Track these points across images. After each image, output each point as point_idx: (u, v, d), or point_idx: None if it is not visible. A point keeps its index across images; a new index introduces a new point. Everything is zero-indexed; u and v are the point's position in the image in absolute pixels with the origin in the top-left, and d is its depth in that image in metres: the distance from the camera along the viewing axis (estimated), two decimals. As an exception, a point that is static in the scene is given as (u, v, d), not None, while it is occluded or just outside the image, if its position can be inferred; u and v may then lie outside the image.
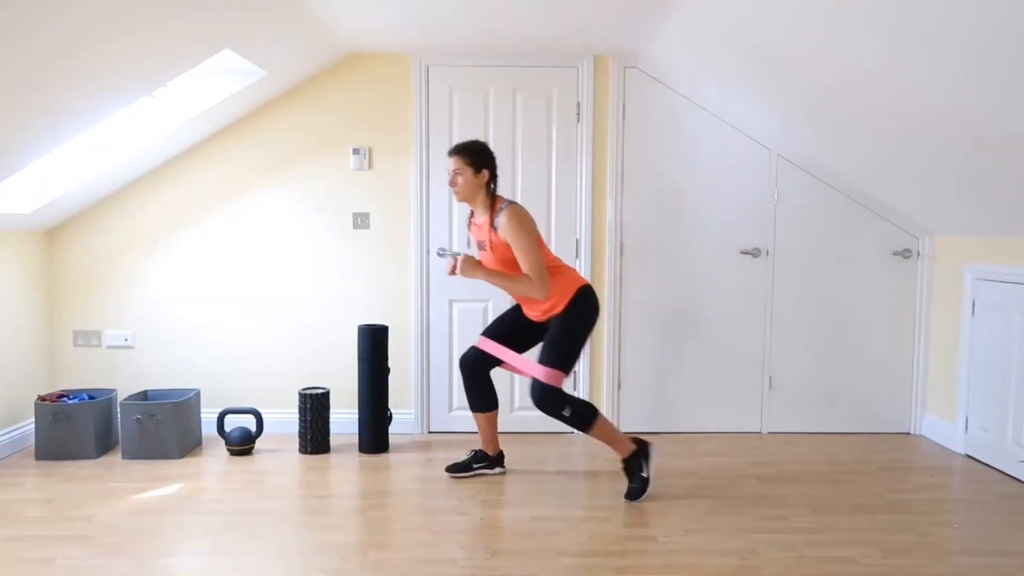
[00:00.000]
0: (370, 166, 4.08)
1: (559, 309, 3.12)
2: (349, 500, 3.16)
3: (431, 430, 4.20)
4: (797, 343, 4.20)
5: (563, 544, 2.72)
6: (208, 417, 4.10)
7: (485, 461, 3.47)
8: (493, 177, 3.17)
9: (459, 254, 3.09)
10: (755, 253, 4.16)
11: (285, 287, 4.13)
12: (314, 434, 3.81)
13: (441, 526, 2.87)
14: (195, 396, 3.89)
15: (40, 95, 2.71)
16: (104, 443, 3.78)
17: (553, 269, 3.13)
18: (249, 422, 4.09)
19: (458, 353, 4.16)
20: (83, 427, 3.65)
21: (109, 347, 4.12)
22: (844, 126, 3.41)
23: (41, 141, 3.04)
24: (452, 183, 3.16)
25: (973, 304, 3.77)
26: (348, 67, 4.04)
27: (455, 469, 3.45)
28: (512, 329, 3.32)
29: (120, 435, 3.73)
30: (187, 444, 3.79)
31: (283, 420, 4.13)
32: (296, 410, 4.11)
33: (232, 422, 4.08)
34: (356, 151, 4.06)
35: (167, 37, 2.82)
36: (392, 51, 4.00)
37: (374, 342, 3.80)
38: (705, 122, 4.11)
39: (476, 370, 3.34)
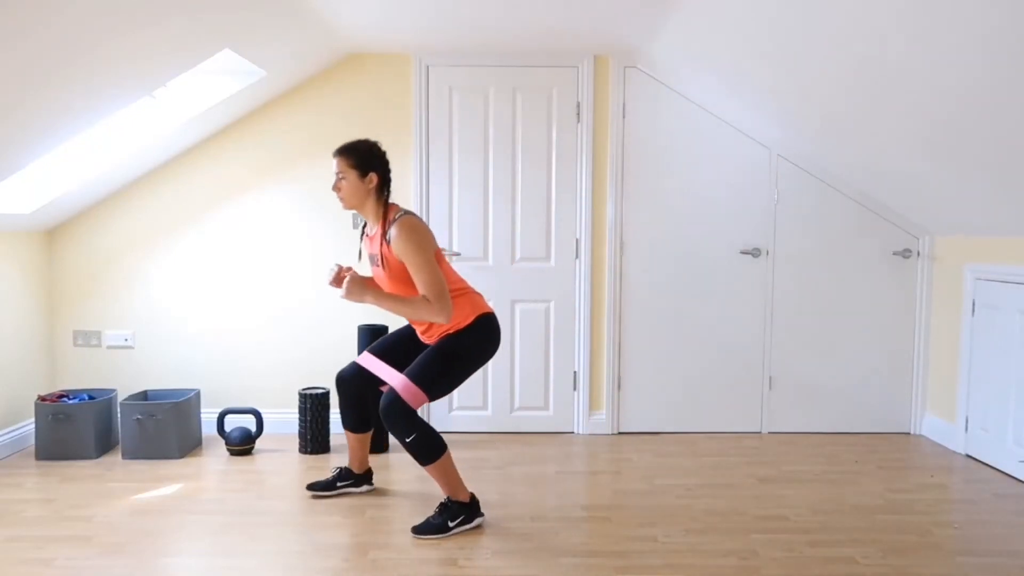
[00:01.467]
0: (370, 166, 4.08)
1: (451, 332, 2.79)
2: (349, 500, 3.16)
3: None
4: (797, 343, 4.20)
5: (563, 544, 2.72)
6: (208, 417, 4.10)
7: (351, 479, 3.20)
8: (385, 182, 2.82)
9: (347, 268, 2.80)
10: (755, 253, 4.16)
11: (285, 287, 4.13)
12: (314, 434, 3.81)
13: (441, 526, 2.87)
14: (195, 396, 3.89)
15: (40, 95, 2.71)
16: (104, 443, 3.78)
17: (456, 291, 2.80)
18: (249, 422, 4.09)
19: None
20: (83, 427, 3.65)
21: (109, 347, 4.12)
22: (844, 126, 3.41)
23: (41, 141, 3.04)
24: (336, 187, 2.82)
25: (973, 304, 3.77)
26: (348, 67, 4.04)
27: (317, 487, 3.18)
28: (400, 348, 2.99)
29: (120, 435, 3.73)
30: (187, 444, 3.79)
31: (283, 420, 4.13)
32: (296, 410, 4.12)
33: (232, 422, 4.08)
34: (356, 151, 4.05)
35: (167, 37, 2.82)
36: (392, 51, 4.00)
37: (374, 342, 3.80)
38: (705, 122, 4.11)
39: (353, 387, 3.04)
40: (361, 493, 3.25)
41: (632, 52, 3.97)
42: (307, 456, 3.77)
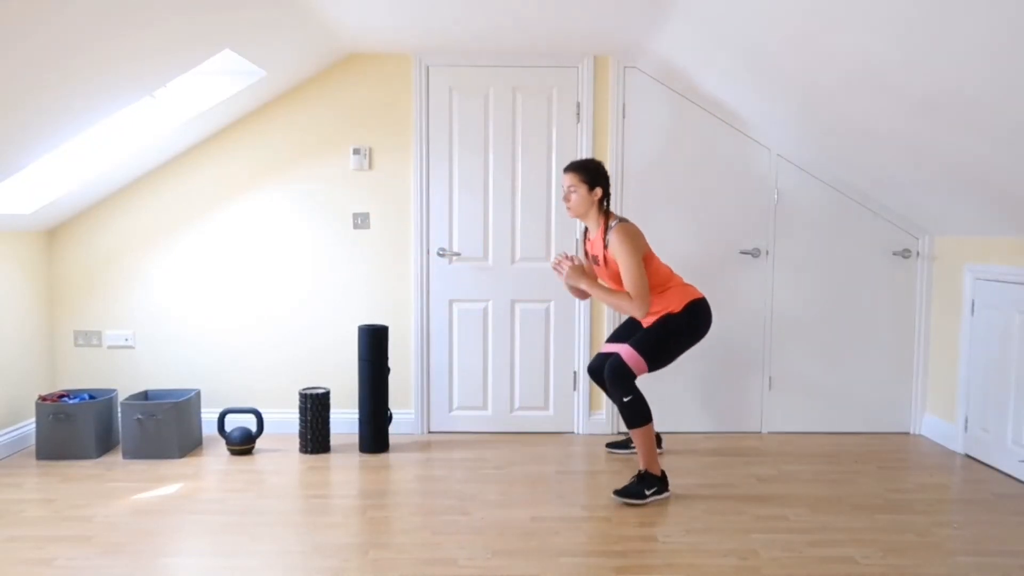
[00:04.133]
0: (370, 166, 4.09)
1: (665, 315, 3.19)
2: (349, 500, 3.16)
3: (431, 430, 4.20)
4: (797, 343, 4.20)
5: (563, 544, 2.72)
6: (208, 417, 4.10)
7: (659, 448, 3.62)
8: (606, 195, 3.25)
9: (574, 257, 3.25)
10: (755, 253, 4.16)
11: (285, 287, 4.13)
12: (314, 434, 3.81)
13: (441, 526, 2.88)
14: (195, 396, 3.90)
15: (40, 95, 2.71)
16: (104, 443, 3.78)
17: (668, 285, 3.22)
18: (249, 422, 4.09)
19: (459, 353, 4.16)
20: (83, 427, 3.65)
21: (109, 347, 4.12)
22: (844, 125, 3.41)
23: (41, 141, 3.05)
24: (566, 199, 3.25)
25: (973, 304, 3.77)
26: (348, 67, 4.04)
27: (615, 445, 3.80)
28: (629, 333, 3.42)
29: (120, 435, 3.73)
30: (187, 444, 3.79)
31: (283, 420, 4.14)
32: (296, 410, 4.12)
33: (232, 422, 4.08)
34: (356, 151, 4.06)
35: (167, 37, 2.82)
36: (392, 51, 4.00)
37: (374, 342, 3.80)
38: (705, 122, 4.11)
39: (602, 374, 3.42)
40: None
41: (632, 52, 3.96)
42: (307, 456, 3.77)
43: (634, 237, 3.13)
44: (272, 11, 3.06)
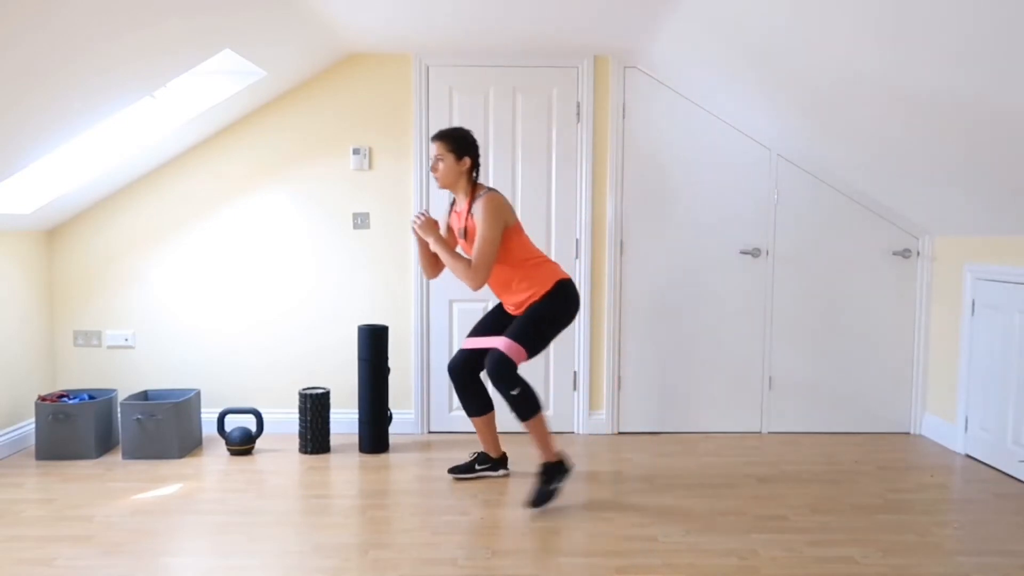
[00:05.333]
0: (370, 166, 4.09)
1: (535, 300, 3.11)
2: (349, 500, 3.16)
3: (431, 430, 4.20)
4: (797, 343, 4.20)
5: (563, 544, 2.72)
6: (208, 417, 4.10)
7: (488, 463, 3.46)
8: (475, 165, 3.16)
9: (426, 212, 3.15)
10: (755, 253, 4.16)
11: (285, 287, 4.13)
12: (314, 434, 3.81)
13: (441, 526, 2.88)
14: (195, 396, 3.89)
15: (40, 95, 2.71)
16: (104, 443, 3.78)
17: (533, 262, 3.13)
18: (249, 422, 4.09)
19: (458, 353, 4.16)
20: (83, 427, 3.65)
21: (109, 347, 4.12)
22: (844, 125, 3.41)
23: (41, 141, 3.04)
24: (433, 168, 3.15)
25: (973, 304, 3.77)
26: (348, 67, 4.04)
27: (457, 471, 3.44)
28: (495, 326, 3.28)
29: (120, 435, 3.73)
30: (187, 444, 3.79)
31: (283, 420, 4.14)
32: (296, 410, 4.12)
33: (232, 422, 4.08)
34: (356, 151, 4.06)
35: (167, 37, 2.82)
36: (392, 51, 4.00)
37: (374, 342, 3.80)
38: (705, 122, 4.11)
39: (464, 374, 3.30)
40: (498, 477, 3.46)
41: (632, 52, 3.97)
42: (307, 456, 3.77)
43: (499, 209, 3.04)
44: (272, 11, 3.06)
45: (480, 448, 3.50)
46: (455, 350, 4.16)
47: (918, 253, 4.18)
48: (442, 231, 3.32)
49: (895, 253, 4.17)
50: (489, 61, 4.04)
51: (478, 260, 3.00)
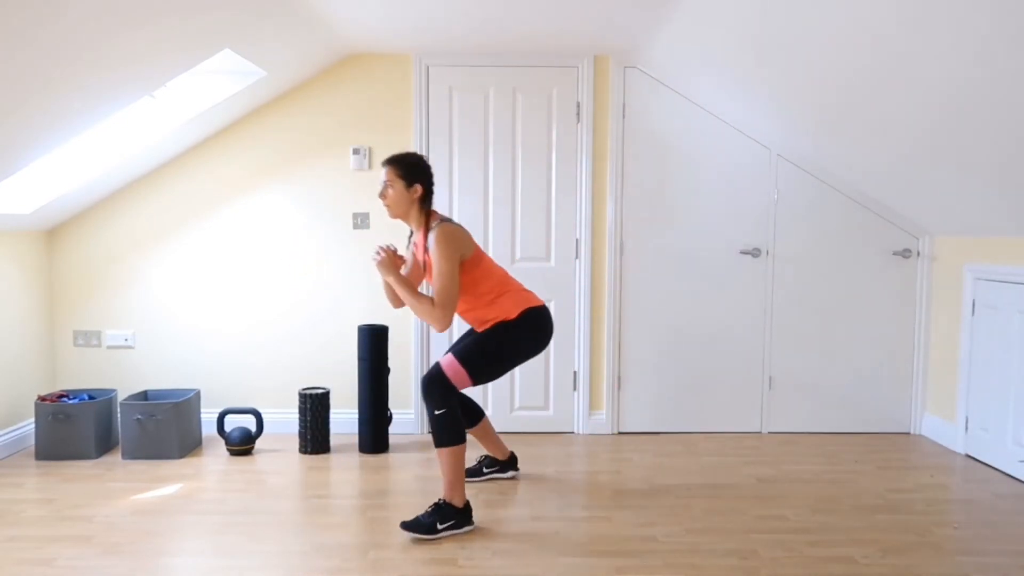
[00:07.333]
0: (370, 166, 4.08)
1: (499, 323, 2.92)
2: (349, 500, 3.16)
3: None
4: (797, 343, 4.20)
5: (563, 544, 2.72)
6: (208, 417, 4.10)
7: (496, 466, 3.42)
8: (428, 193, 2.92)
9: (393, 248, 2.88)
10: (755, 253, 4.16)
11: (285, 287, 4.13)
12: (314, 434, 3.81)
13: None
14: (195, 396, 3.89)
15: (40, 96, 2.71)
16: (104, 443, 3.78)
17: (496, 293, 2.93)
18: (249, 422, 4.09)
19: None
20: (83, 427, 3.65)
21: (109, 347, 4.12)
22: (845, 125, 3.41)
23: (41, 141, 3.04)
24: (382, 195, 2.91)
25: (973, 304, 3.77)
26: (348, 67, 4.04)
27: (466, 474, 3.35)
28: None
29: (120, 435, 3.73)
30: (187, 444, 3.79)
31: (283, 420, 4.13)
32: (296, 410, 4.12)
33: (232, 422, 4.08)
34: (356, 151, 4.06)
35: (167, 37, 2.82)
36: (392, 51, 4.00)
37: (374, 342, 3.80)
38: (705, 122, 4.11)
39: None
40: (507, 479, 3.40)
41: (632, 52, 3.96)
42: (307, 456, 3.77)
43: (452, 240, 2.79)
44: (272, 11, 3.06)
45: (483, 449, 3.48)
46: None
47: (918, 253, 4.18)
48: (408, 264, 3.13)
49: (895, 253, 4.17)
50: (489, 61, 4.04)
51: (440, 298, 2.75)
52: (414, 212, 2.93)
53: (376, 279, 4.11)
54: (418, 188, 2.90)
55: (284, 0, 3.03)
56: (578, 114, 4.08)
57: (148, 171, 4.04)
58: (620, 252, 4.14)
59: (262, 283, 4.12)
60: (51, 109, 2.84)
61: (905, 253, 4.16)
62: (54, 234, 4.08)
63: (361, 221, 4.10)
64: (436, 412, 2.83)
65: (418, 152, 3.02)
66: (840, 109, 3.25)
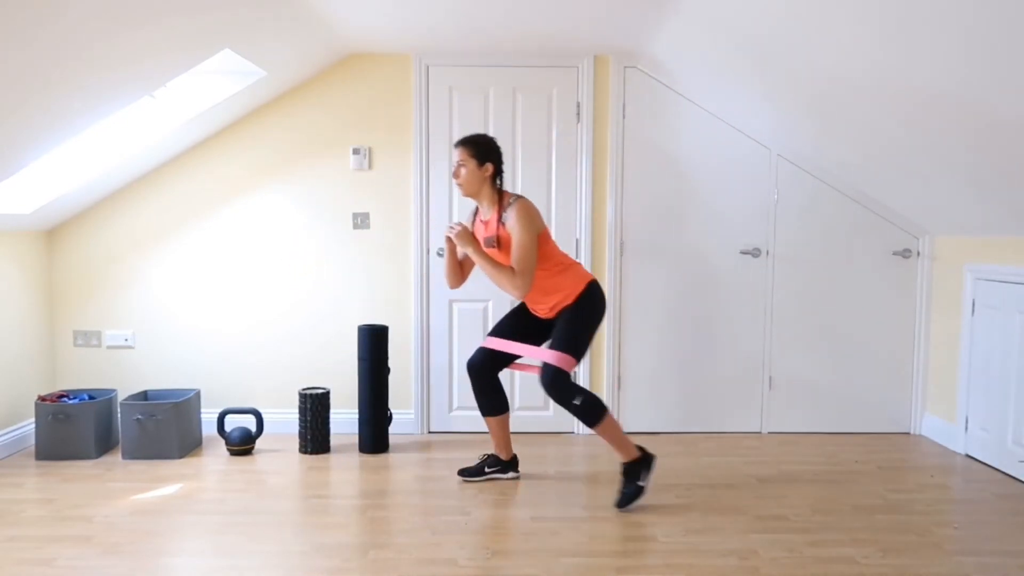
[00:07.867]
0: (370, 166, 4.09)
1: (567, 303, 3.10)
2: (349, 500, 3.16)
3: (431, 430, 4.20)
4: (797, 343, 4.20)
5: (563, 544, 2.72)
6: (208, 417, 4.10)
7: (498, 465, 3.43)
8: (498, 172, 3.11)
9: (463, 224, 3.07)
10: (755, 253, 4.16)
11: (285, 287, 4.13)
12: (314, 434, 3.81)
13: (441, 526, 2.88)
14: (195, 396, 3.89)
15: (40, 95, 2.71)
16: (104, 443, 3.78)
17: (561, 267, 3.11)
18: (249, 422, 4.09)
19: (459, 353, 4.16)
20: (83, 427, 3.65)
21: (109, 347, 4.12)
22: (845, 125, 3.41)
23: (41, 141, 3.04)
24: (455, 175, 3.10)
25: (973, 304, 3.77)
26: (348, 67, 4.04)
27: (467, 473, 3.41)
28: (519, 327, 3.26)
29: (120, 435, 3.73)
30: (187, 444, 3.79)
31: (283, 420, 4.13)
32: (296, 410, 4.12)
33: (232, 422, 4.08)
34: (356, 151, 4.06)
35: (167, 37, 2.82)
36: (392, 51, 4.00)
37: (374, 342, 3.80)
38: (705, 122, 4.11)
39: (484, 373, 3.28)
40: (508, 480, 3.42)
41: (632, 52, 3.97)
42: (307, 456, 3.77)
43: (533, 214, 3.03)
44: (272, 11, 3.06)
45: (484, 449, 3.48)
46: (455, 350, 4.16)
47: (918, 253, 4.18)
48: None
49: (895, 253, 4.17)
50: (489, 61, 4.04)
51: (521, 267, 2.96)
52: (486, 190, 3.12)
53: (376, 279, 4.11)
54: (489, 167, 3.09)
55: (284, 0, 3.03)
56: (578, 114, 4.08)
57: (148, 171, 4.04)
58: (620, 252, 4.14)
59: (262, 283, 4.12)
60: (51, 109, 2.84)
61: (905, 253, 4.16)
62: (54, 234, 4.08)
63: (361, 221, 4.10)
64: (576, 403, 3.00)
65: (488, 134, 3.23)
66: (840, 109, 3.25)
